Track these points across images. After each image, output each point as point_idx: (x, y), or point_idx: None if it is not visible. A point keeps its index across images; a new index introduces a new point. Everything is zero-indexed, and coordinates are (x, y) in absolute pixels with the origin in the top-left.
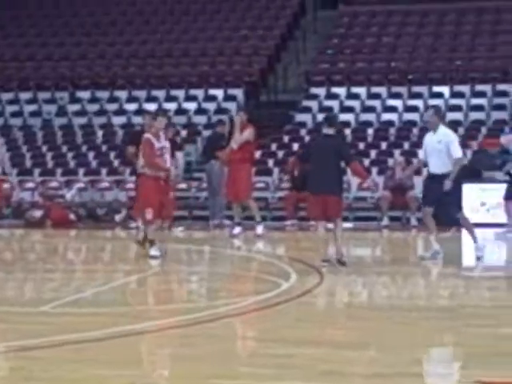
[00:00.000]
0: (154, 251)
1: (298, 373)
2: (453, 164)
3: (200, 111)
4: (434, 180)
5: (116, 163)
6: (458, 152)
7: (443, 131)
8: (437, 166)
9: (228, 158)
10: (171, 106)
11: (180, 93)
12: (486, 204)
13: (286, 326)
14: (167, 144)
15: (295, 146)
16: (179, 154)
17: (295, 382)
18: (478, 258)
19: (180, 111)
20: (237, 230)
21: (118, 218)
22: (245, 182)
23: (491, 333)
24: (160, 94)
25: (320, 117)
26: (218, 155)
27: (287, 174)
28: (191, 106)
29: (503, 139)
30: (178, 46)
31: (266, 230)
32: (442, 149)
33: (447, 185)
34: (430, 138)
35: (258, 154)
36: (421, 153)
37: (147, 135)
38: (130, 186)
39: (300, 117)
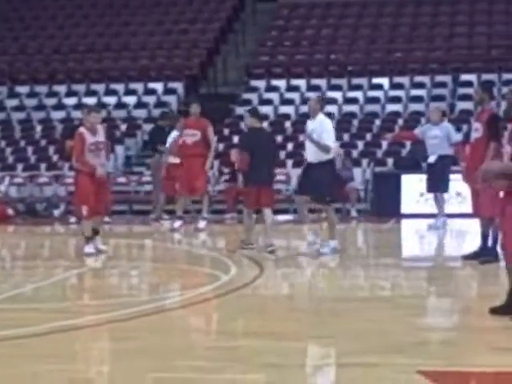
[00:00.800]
0: (88, 248)
1: (239, 365)
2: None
3: (140, 105)
4: (310, 168)
5: (55, 158)
6: (328, 139)
7: (320, 119)
8: (312, 154)
9: (179, 153)
10: (111, 100)
11: (120, 87)
12: (424, 194)
13: (227, 318)
14: (103, 139)
15: (235, 139)
16: (119, 148)
17: (236, 374)
18: (321, 253)
19: (120, 105)
20: (177, 223)
21: (56, 213)
22: (201, 175)
23: (430, 322)
24: (99, 88)
25: (260, 109)
26: (166, 150)
27: (228, 166)
28: (131, 99)
29: (417, 130)
30: (117, 40)
31: (207, 223)
32: (316, 136)
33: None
34: (308, 126)
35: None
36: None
37: (81, 130)
38: (69, 180)
39: (240, 110)
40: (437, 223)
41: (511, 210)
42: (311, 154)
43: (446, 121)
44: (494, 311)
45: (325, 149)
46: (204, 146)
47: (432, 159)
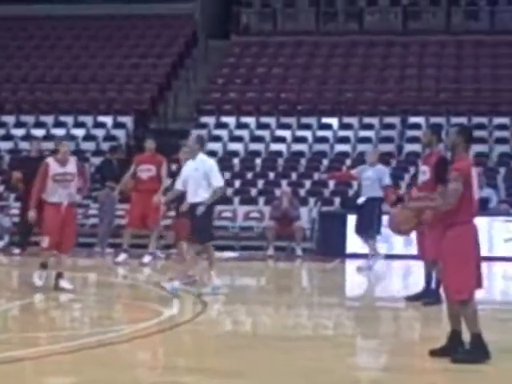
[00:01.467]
0: (37, 278)
1: None
2: (212, 191)
3: (89, 138)
4: (192, 209)
5: (1, 188)
6: (218, 180)
7: (201, 159)
8: (192, 194)
9: (134, 188)
10: (60, 132)
11: (69, 119)
12: None
13: (169, 353)
14: (74, 170)
15: None
16: None
17: None
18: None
19: (69, 137)
20: (121, 257)
21: (1, 244)
22: (155, 211)
23: (371, 362)
24: (48, 119)
25: (210, 146)
26: (115, 185)
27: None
28: (80, 132)
29: (354, 170)
30: (68, 72)
31: (152, 258)
32: (199, 176)
33: (200, 210)
34: (188, 167)
35: None
36: (178, 182)
37: (47, 160)
38: (15, 211)
39: None
40: (368, 263)
41: (450, 248)
42: (191, 194)
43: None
44: (434, 353)
45: (218, 191)
46: (158, 182)
47: (361, 200)
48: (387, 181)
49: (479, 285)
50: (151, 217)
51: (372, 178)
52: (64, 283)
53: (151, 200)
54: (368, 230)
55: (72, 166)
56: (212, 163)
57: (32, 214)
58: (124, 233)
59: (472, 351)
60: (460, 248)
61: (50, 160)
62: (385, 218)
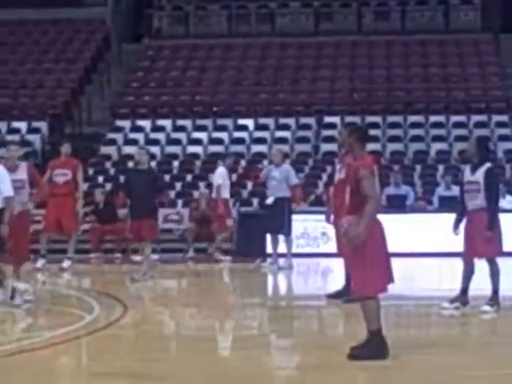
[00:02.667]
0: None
1: None
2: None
3: (3, 144)
4: None
5: None
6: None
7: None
8: None
9: (50, 193)
10: None
11: None
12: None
13: (89, 358)
14: (24, 176)
15: (100, 179)
16: None
17: None
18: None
19: None
20: (40, 262)
21: None
22: (72, 215)
23: (296, 360)
24: None
25: (125, 149)
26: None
27: (92, 206)
28: None
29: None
30: None
31: (72, 263)
32: None
33: None
34: None
35: None
36: None
37: None
38: None
39: (105, 149)
40: (288, 262)
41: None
42: None
43: (287, 163)
44: (353, 351)
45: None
46: (74, 186)
47: (270, 200)
48: (294, 180)
49: (390, 279)
50: (68, 221)
51: (278, 178)
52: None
53: (67, 204)
54: (280, 229)
55: (22, 172)
56: None
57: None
58: (41, 238)
59: (367, 347)
60: (368, 244)
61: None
62: (296, 217)
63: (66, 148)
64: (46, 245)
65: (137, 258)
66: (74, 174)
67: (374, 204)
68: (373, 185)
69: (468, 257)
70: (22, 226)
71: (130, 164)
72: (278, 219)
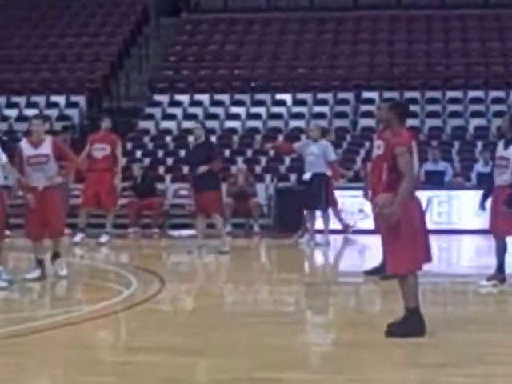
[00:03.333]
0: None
1: (138, 380)
2: None
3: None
4: None
5: None
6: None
7: None
8: None
9: (88, 167)
10: (12, 113)
11: (21, 99)
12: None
13: (125, 333)
14: (49, 151)
15: (138, 154)
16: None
17: None
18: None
19: (21, 118)
20: (78, 236)
21: None
22: (110, 190)
23: (331, 337)
24: (0, 100)
25: (163, 124)
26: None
27: (130, 180)
28: (33, 112)
29: (296, 145)
30: (19, 52)
31: (110, 238)
32: None
33: None
34: None
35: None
36: None
37: (21, 142)
38: None
39: (143, 124)
40: (325, 238)
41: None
42: None
43: (331, 137)
44: (390, 328)
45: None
46: (113, 161)
47: (307, 176)
48: (332, 156)
49: (428, 259)
50: (106, 196)
51: (316, 154)
52: (60, 267)
53: (105, 179)
54: (317, 205)
55: (46, 147)
56: None
57: (29, 196)
58: (80, 212)
59: (404, 324)
60: (402, 222)
61: (23, 142)
62: (335, 193)
63: (106, 123)
64: (85, 219)
65: (174, 233)
66: (113, 149)
67: (408, 182)
68: (408, 163)
69: (496, 233)
70: (51, 200)
71: (190, 138)
72: (315, 195)
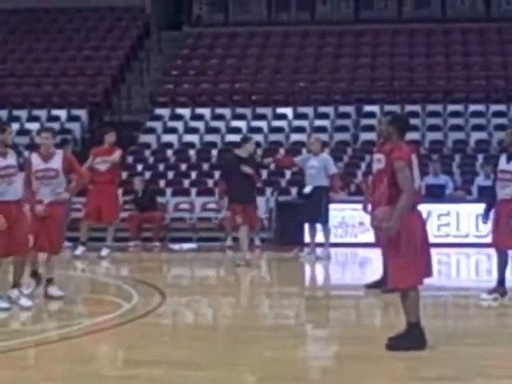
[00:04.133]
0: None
1: None
2: None
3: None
4: None
5: None
6: None
7: None
8: None
9: (91, 180)
10: (14, 127)
11: (23, 113)
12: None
13: (126, 347)
14: (58, 165)
15: (139, 167)
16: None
17: None
18: None
19: (22, 132)
20: (79, 250)
21: None
22: (112, 203)
23: (332, 350)
24: (1, 114)
25: (164, 137)
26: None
27: (132, 194)
28: (34, 126)
29: (297, 158)
30: (20, 66)
31: (110, 251)
32: None
33: None
34: None
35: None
36: None
37: (31, 154)
38: None
39: (144, 138)
40: (326, 252)
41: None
42: None
43: (326, 152)
44: (391, 341)
45: None
46: (116, 173)
47: (308, 189)
48: (333, 169)
49: (428, 273)
50: (108, 209)
51: (316, 167)
52: (53, 290)
53: (108, 192)
54: (317, 218)
55: (57, 161)
56: None
57: (40, 208)
58: (81, 226)
59: (405, 338)
60: (403, 237)
61: (34, 154)
62: (333, 206)
63: (111, 136)
64: (86, 233)
65: (175, 246)
66: (115, 162)
67: (407, 197)
68: (407, 178)
69: (498, 246)
70: (55, 215)
71: (236, 151)
72: (315, 208)
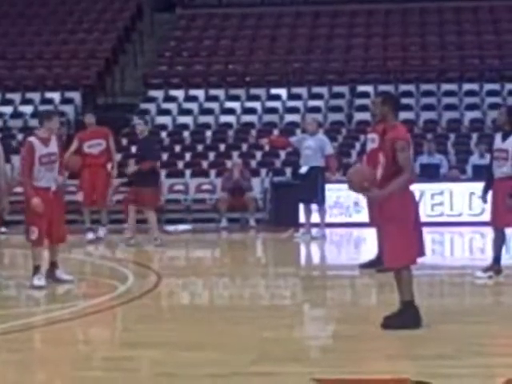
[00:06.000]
0: (37, 280)
1: (134, 375)
2: None
3: (36, 115)
4: None
5: None
6: None
7: None
8: None
9: (84, 164)
10: (7, 110)
11: (16, 96)
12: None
13: (122, 328)
14: (56, 149)
15: (133, 149)
16: (15, 158)
17: None
18: None
19: (16, 115)
20: (89, 235)
21: None
22: (103, 186)
23: (327, 330)
24: None
25: (158, 119)
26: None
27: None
28: (27, 109)
29: (293, 139)
30: (13, 49)
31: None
32: None
33: None
34: None
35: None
36: None
37: (31, 139)
38: None
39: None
40: (322, 232)
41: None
42: None
43: (320, 132)
44: (387, 320)
45: None
46: (108, 155)
47: (303, 170)
48: (329, 149)
49: (421, 253)
50: (100, 193)
51: (313, 148)
52: (62, 274)
53: (101, 175)
54: (313, 199)
55: (54, 145)
56: None
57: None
58: (84, 212)
59: (400, 317)
60: (398, 216)
61: (34, 139)
62: (329, 186)
63: (88, 118)
64: (89, 217)
65: (169, 227)
66: (108, 142)
67: (406, 177)
68: (408, 158)
69: (496, 225)
70: (58, 204)
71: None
72: (311, 189)
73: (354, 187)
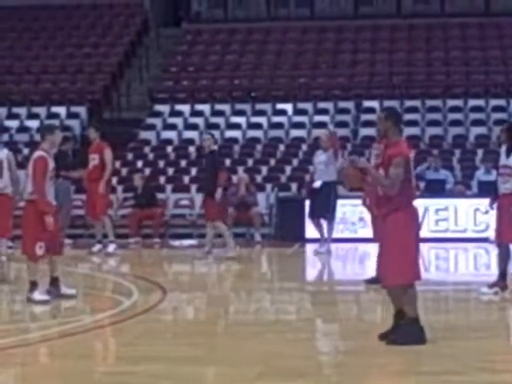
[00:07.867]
0: (39, 295)
1: None
2: None
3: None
4: None
5: None
6: None
7: None
8: None
9: (86, 177)
10: (13, 124)
11: (22, 110)
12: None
13: (126, 343)
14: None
15: (139, 164)
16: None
17: None
18: None
19: (22, 129)
20: (96, 247)
21: None
22: (100, 199)
23: (331, 346)
24: (1, 111)
25: (164, 134)
26: (68, 175)
27: (131, 191)
28: (33, 123)
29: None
30: (19, 63)
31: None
32: None
33: None
34: None
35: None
36: None
37: (41, 153)
38: None
39: (144, 134)
40: (320, 249)
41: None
42: None
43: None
44: (383, 337)
45: None
46: (101, 170)
47: (317, 184)
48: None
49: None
50: (93, 207)
51: (326, 162)
52: (65, 289)
53: (94, 189)
54: (325, 214)
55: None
56: None
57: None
58: (94, 225)
59: (405, 334)
60: (401, 233)
61: (44, 153)
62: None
63: (90, 133)
64: (100, 231)
65: (175, 242)
66: (102, 158)
67: (389, 185)
68: (398, 176)
69: (501, 240)
70: (56, 218)
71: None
72: (323, 204)
73: (353, 181)
